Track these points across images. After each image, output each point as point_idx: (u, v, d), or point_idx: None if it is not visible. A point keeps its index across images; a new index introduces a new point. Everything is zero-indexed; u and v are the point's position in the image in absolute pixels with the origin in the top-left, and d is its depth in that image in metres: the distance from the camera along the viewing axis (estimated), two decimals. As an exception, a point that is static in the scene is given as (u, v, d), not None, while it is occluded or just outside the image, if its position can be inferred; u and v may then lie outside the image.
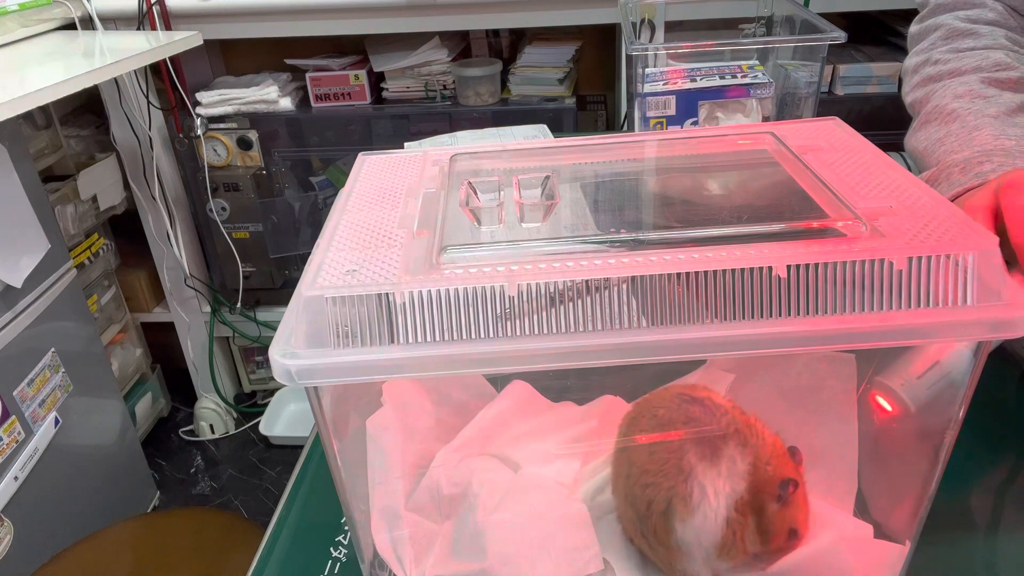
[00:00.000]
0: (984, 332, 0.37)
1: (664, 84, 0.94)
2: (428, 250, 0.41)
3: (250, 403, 2.17)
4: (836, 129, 0.54)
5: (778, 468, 0.46)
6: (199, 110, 1.75)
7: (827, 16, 0.99)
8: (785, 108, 0.98)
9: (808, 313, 0.37)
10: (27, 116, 1.64)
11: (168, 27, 1.62)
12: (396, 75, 1.78)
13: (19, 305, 1.39)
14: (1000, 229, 0.48)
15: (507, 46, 1.94)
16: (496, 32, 1.91)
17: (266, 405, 2.06)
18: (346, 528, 0.57)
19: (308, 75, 1.78)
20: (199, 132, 1.73)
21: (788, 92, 0.98)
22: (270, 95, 1.76)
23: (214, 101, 1.75)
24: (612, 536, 0.51)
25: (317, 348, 0.38)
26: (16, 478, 1.34)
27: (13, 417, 1.35)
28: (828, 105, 1.59)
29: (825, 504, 0.50)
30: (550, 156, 0.57)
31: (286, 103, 1.78)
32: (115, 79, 1.66)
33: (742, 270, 0.37)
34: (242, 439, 2.07)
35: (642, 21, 1.14)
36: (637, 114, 0.95)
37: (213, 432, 2.07)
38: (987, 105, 0.67)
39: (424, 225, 0.44)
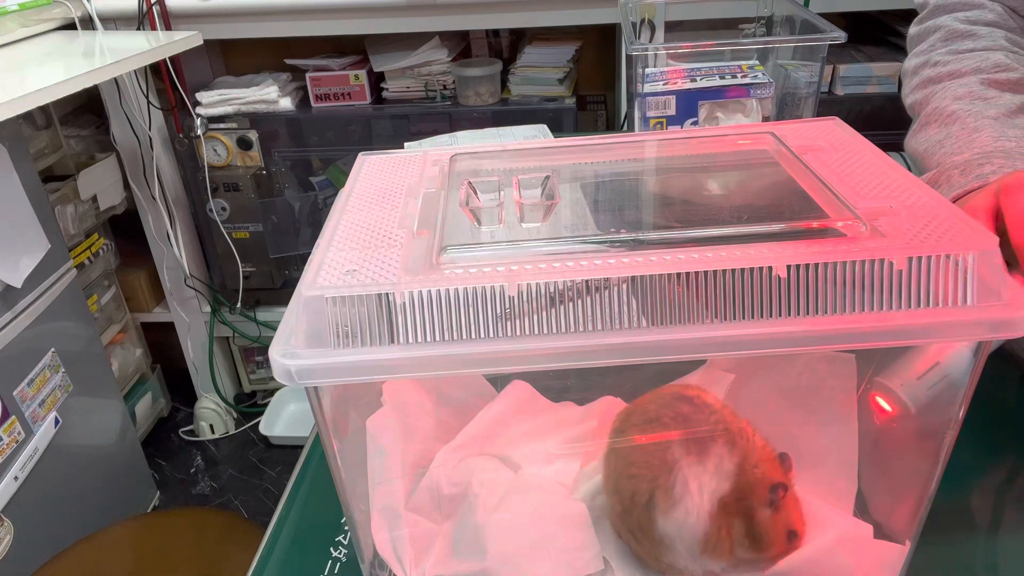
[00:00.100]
0: (984, 332, 0.37)
1: (664, 84, 0.94)
2: (428, 250, 0.41)
3: (250, 403, 2.17)
4: (836, 129, 0.54)
5: (767, 472, 0.46)
6: (199, 110, 1.75)
7: (827, 16, 0.99)
8: (785, 108, 0.98)
9: (808, 313, 0.37)
10: (27, 116, 1.64)
11: (168, 27, 1.62)
12: (396, 75, 1.78)
13: (19, 305, 1.39)
14: (1001, 230, 0.48)
15: (507, 46, 1.94)
16: (496, 32, 1.91)
17: (266, 405, 2.06)
18: (346, 528, 0.57)
19: (308, 75, 1.78)
20: (199, 132, 1.74)
21: (788, 92, 0.98)
22: (270, 95, 1.76)
23: (214, 101, 1.75)
24: (612, 536, 0.51)
25: (317, 348, 0.38)
26: (16, 478, 1.34)
27: (13, 417, 1.35)
28: (828, 105, 1.60)
29: (825, 504, 0.50)
30: (550, 156, 0.57)
31: (286, 103, 1.78)
32: (115, 79, 1.66)
33: (742, 270, 0.37)
34: (242, 439, 2.07)
35: (642, 21, 1.14)
36: (637, 114, 0.95)
37: (213, 432, 2.07)
38: (987, 107, 0.67)
39: (424, 225, 0.44)
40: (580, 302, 0.38)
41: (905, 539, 0.47)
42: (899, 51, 1.63)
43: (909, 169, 0.48)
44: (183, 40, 1.46)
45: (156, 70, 1.70)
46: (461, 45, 1.85)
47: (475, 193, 0.49)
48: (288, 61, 1.85)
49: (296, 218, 1.90)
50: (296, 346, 0.38)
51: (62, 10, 1.58)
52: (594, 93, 2.00)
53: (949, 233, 0.38)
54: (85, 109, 1.94)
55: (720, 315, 0.37)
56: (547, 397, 0.58)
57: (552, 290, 0.38)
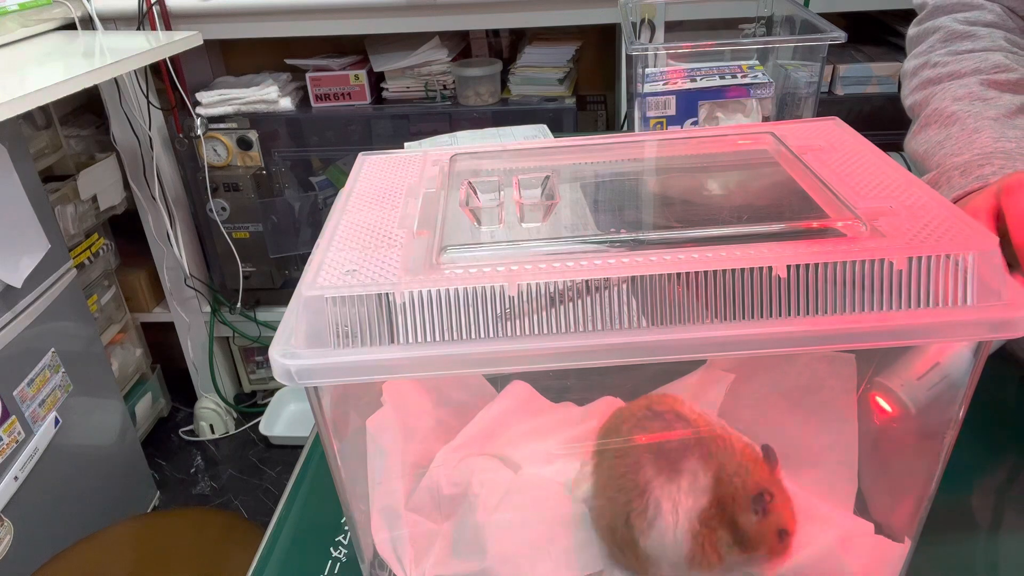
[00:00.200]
0: (984, 332, 0.37)
1: (664, 84, 0.94)
2: (428, 250, 0.41)
3: (250, 403, 2.17)
4: (836, 129, 0.54)
5: (749, 479, 0.45)
6: (199, 110, 1.75)
7: (827, 16, 0.99)
8: (785, 108, 0.98)
9: (808, 313, 0.37)
10: (27, 116, 1.64)
11: (168, 27, 1.62)
12: (396, 75, 1.78)
13: (19, 305, 1.39)
14: (1002, 231, 0.48)
15: (507, 46, 1.94)
16: (496, 32, 1.91)
17: (266, 405, 2.06)
18: (346, 528, 0.57)
19: (308, 75, 1.78)
20: (199, 132, 1.74)
21: (788, 92, 0.98)
22: (270, 95, 1.76)
23: (214, 101, 1.75)
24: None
25: (317, 348, 0.38)
26: (16, 478, 1.34)
27: (13, 417, 1.35)
28: (828, 105, 1.60)
29: (825, 504, 0.50)
30: (550, 156, 0.57)
31: (286, 103, 1.78)
32: (115, 79, 1.66)
33: (742, 270, 0.37)
34: (242, 439, 2.07)
35: (642, 21, 1.14)
36: (637, 114, 0.95)
37: (213, 432, 2.07)
38: (987, 107, 0.67)
39: (424, 225, 0.44)
40: (580, 302, 0.38)
41: (905, 539, 0.47)
42: (899, 51, 1.63)
43: (909, 169, 0.48)
44: (183, 40, 1.46)
45: (156, 70, 1.70)
46: (461, 45, 1.85)
47: (475, 193, 0.49)
48: (288, 61, 1.85)
49: (296, 218, 1.90)
50: (296, 346, 0.38)
51: (62, 10, 1.58)
52: (594, 93, 2.00)
53: (949, 233, 0.38)
54: (85, 109, 1.94)
55: (720, 315, 0.37)
56: (547, 397, 0.58)
57: (552, 290, 0.38)
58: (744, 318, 0.37)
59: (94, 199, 1.80)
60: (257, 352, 2.11)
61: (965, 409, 0.42)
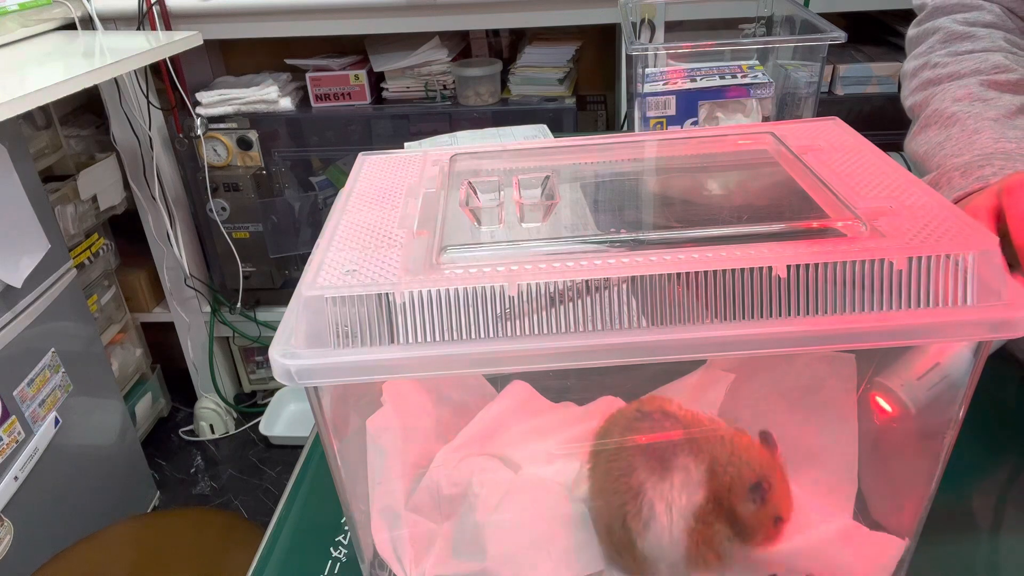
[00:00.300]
0: (984, 332, 0.37)
1: (664, 84, 0.94)
2: (428, 250, 0.41)
3: (250, 403, 2.17)
4: (836, 129, 0.54)
5: (744, 468, 0.45)
6: (199, 110, 1.75)
7: (827, 16, 0.99)
8: (785, 108, 0.98)
9: (808, 313, 0.37)
10: (27, 116, 1.64)
11: (168, 27, 1.62)
12: (396, 75, 1.78)
13: (19, 305, 1.39)
14: (1003, 231, 0.48)
15: (507, 46, 1.94)
16: (496, 32, 1.91)
17: (266, 405, 2.06)
18: (346, 528, 0.57)
19: (308, 75, 1.78)
20: (199, 132, 1.74)
21: (788, 92, 0.98)
22: (270, 95, 1.76)
23: (214, 101, 1.75)
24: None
25: (317, 348, 0.38)
26: (16, 478, 1.34)
27: (13, 417, 1.35)
28: (828, 105, 1.59)
29: (825, 504, 0.50)
30: (550, 156, 0.57)
31: (286, 103, 1.78)
32: (115, 79, 1.66)
33: (742, 270, 0.37)
34: (242, 439, 2.07)
35: (642, 21, 1.14)
36: (637, 114, 0.95)
37: (213, 432, 2.07)
38: (987, 108, 0.67)
39: (424, 225, 0.44)
40: (580, 302, 0.38)
41: (905, 539, 0.47)
42: (899, 51, 1.63)
43: (909, 169, 0.48)
44: (183, 40, 1.46)
45: (156, 70, 1.70)
46: (461, 45, 1.85)
47: (475, 193, 0.49)
48: (288, 61, 1.85)
49: (296, 218, 1.90)
50: (296, 346, 0.38)
51: (62, 10, 1.58)
52: (594, 93, 2.00)
53: (949, 233, 0.38)
54: (85, 109, 1.94)
55: (720, 315, 0.37)
56: (547, 397, 0.58)
57: (552, 290, 0.38)
58: (744, 318, 0.37)
59: (94, 199, 1.80)
60: (257, 352, 2.11)
61: (965, 409, 0.42)
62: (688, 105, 0.93)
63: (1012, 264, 0.45)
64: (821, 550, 0.48)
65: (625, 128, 1.51)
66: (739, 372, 0.54)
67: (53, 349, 1.47)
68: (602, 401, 0.57)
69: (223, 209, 1.82)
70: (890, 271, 0.37)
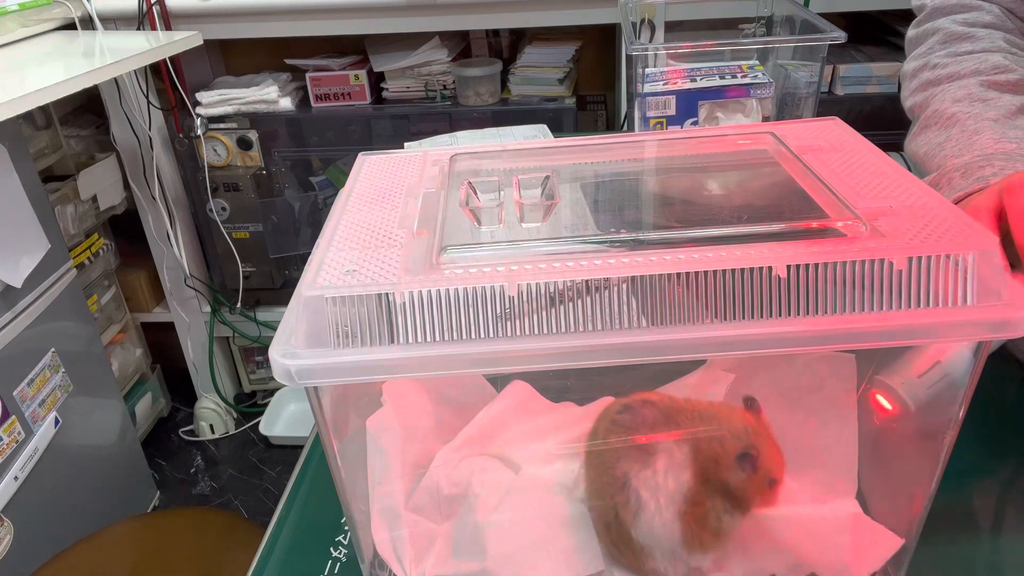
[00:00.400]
0: (984, 332, 0.37)
1: (664, 84, 0.94)
2: (428, 250, 0.41)
3: (250, 403, 2.17)
4: (836, 129, 0.54)
5: (729, 439, 0.45)
6: (199, 110, 1.75)
7: (827, 16, 0.99)
8: (785, 108, 0.98)
9: (808, 313, 0.37)
10: (27, 116, 1.64)
11: (168, 27, 1.62)
12: (396, 75, 1.78)
13: (19, 305, 1.39)
14: (1003, 230, 0.48)
15: (507, 46, 1.94)
16: (496, 32, 1.91)
17: (266, 405, 2.06)
18: (346, 528, 0.57)
19: (308, 75, 1.78)
20: (199, 132, 1.74)
21: (788, 92, 0.98)
22: (270, 95, 1.76)
23: (214, 101, 1.75)
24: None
25: (317, 348, 0.38)
26: (16, 478, 1.34)
27: (13, 417, 1.35)
28: (828, 105, 1.59)
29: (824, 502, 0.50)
30: (550, 156, 0.57)
31: (286, 103, 1.78)
32: (115, 79, 1.66)
33: (742, 270, 0.37)
34: (242, 439, 2.07)
35: (642, 21, 1.14)
36: (637, 114, 0.95)
37: (213, 432, 2.07)
38: (987, 108, 0.67)
39: (424, 225, 0.44)
40: (580, 302, 0.38)
41: (905, 538, 0.48)
42: (899, 51, 1.62)
43: (909, 169, 0.48)
44: (183, 40, 1.46)
45: (156, 70, 1.70)
46: (461, 45, 1.85)
47: (475, 193, 0.49)
48: (288, 61, 1.85)
49: (296, 218, 1.90)
50: (296, 346, 0.38)
51: (62, 10, 1.58)
52: (594, 93, 2.00)
53: (949, 233, 0.38)
54: (85, 109, 1.94)
55: (720, 315, 0.37)
56: (547, 397, 0.58)
57: (552, 290, 0.38)
58: (744, 318, 0.37)
59: (94, 199, 1.80)
60: (257, 352, 2.11)
61: (965, 409, 0.42)
62: (688, 105, 0.93)
63: (1013, 264, 0.45)
64: (821, 533, 0.48)
65: (625, 128, 1.51)
66: (739, 372, 0.54)
67: (53, 349, 1.47)
68: (602, 401, 0.57)
69: (223, 209, 1.82)
70: (890, 271, 0.37)
